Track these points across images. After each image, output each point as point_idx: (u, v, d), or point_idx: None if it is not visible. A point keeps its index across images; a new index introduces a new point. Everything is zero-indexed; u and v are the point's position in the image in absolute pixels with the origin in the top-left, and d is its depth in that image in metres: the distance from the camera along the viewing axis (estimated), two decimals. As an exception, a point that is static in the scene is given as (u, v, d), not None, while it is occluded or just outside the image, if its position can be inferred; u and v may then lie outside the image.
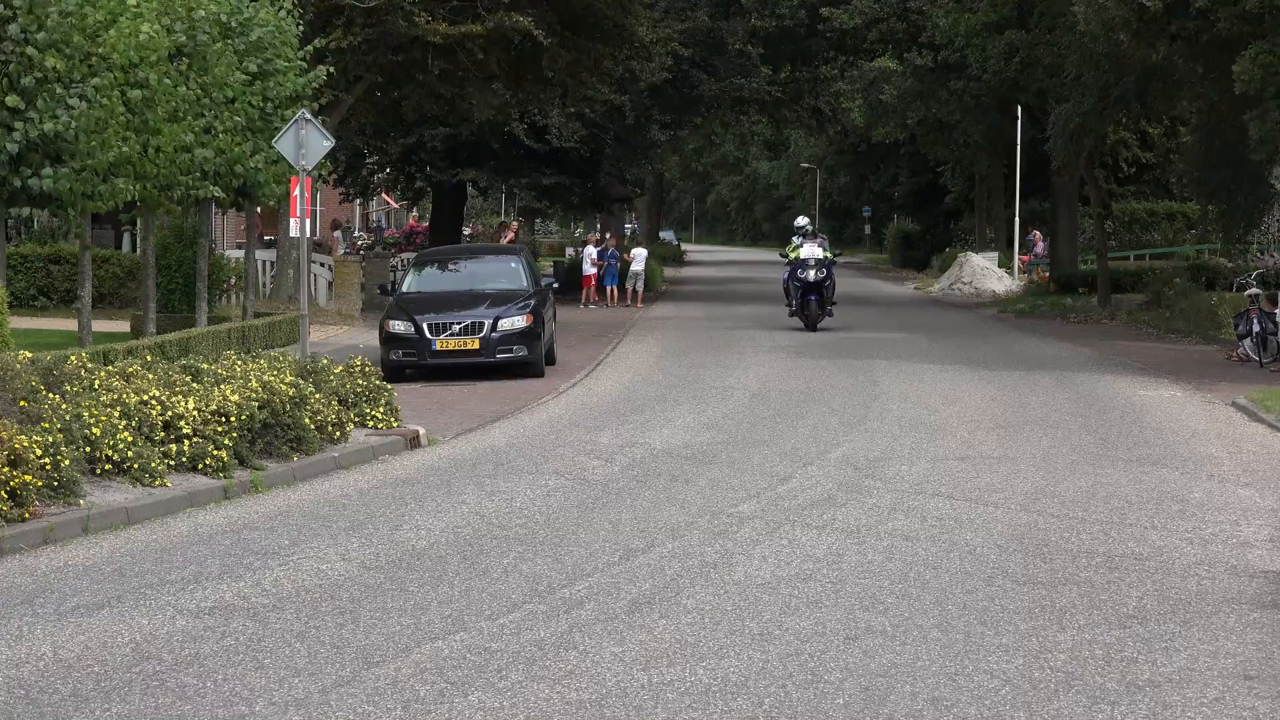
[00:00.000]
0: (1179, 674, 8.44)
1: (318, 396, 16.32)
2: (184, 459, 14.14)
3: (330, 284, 38.38)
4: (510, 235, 48.02)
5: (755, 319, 38.43)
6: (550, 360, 25.98)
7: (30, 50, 19.51)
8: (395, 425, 17.71)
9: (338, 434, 16.43)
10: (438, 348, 24.22)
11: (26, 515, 11.98)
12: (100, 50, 20.74)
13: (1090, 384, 23.81)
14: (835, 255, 35.45)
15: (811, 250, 34.02)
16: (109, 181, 21.08)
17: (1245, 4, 27.96)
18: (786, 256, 34.72)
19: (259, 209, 31.65)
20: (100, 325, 26.44)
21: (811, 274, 33.73)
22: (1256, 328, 27.25)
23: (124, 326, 28.84)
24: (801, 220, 37.30)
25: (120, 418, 13.74)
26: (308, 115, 22.16)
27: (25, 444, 12.16)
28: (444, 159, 49.48)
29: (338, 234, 60.04)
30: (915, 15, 50.68)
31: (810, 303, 33.80)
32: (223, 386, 15.20)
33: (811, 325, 33.63)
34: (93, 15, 20.54)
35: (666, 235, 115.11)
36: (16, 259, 35.06)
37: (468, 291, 25.70)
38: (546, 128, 48.86)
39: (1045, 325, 37.96)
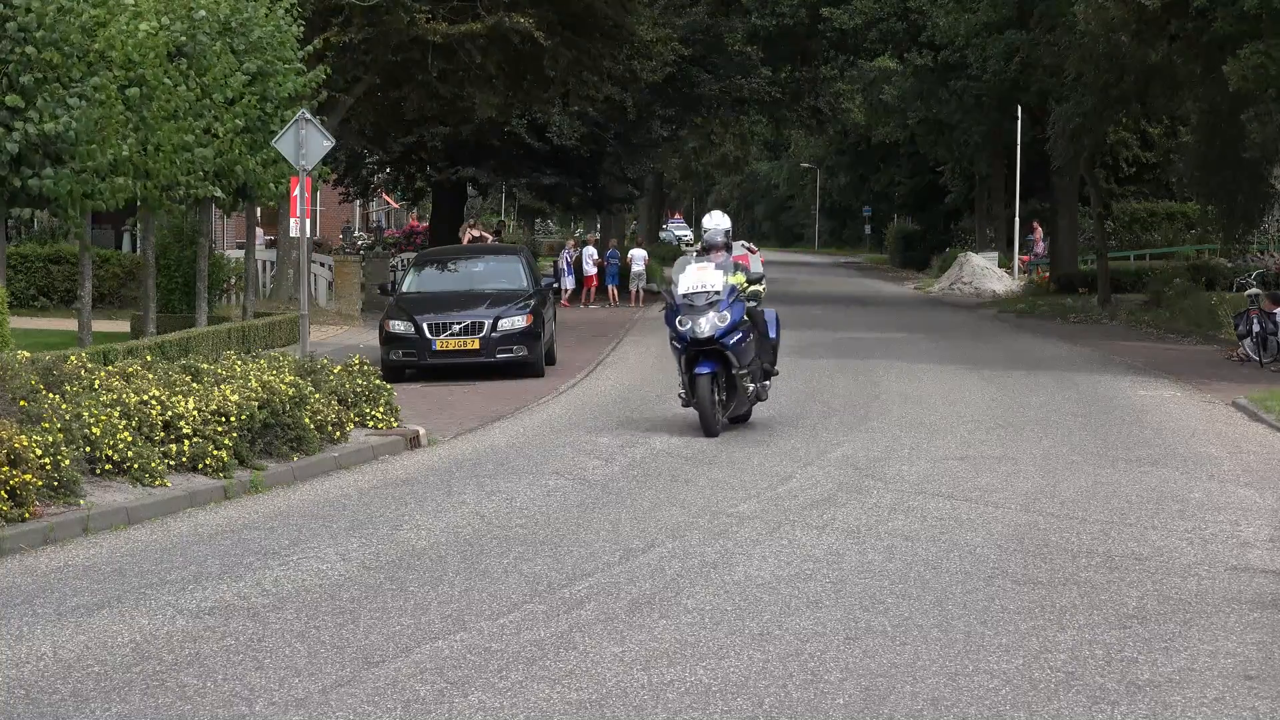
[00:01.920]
0: (1179, 674, 8.43)
1: (318, 396, 16.32)
2: (184, 459, 14.14)
3: (330, 284, 38.40)
4: (472, 235, 47.87)
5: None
6: (550, 360, 25.98)
7: (29, 49, 19.51)
8: (395, 425, 17.71)
9: (338, 434, 16.43)
10: (438, 348, 24.23)
11: (26, 515, 11.97)
12: (98, 47, 20.74)
13: (1090, 384, 23.80)
14: (751, 283, 18.33)
15: (702, 277, 17.92)
16: (109, 181, 21.08)
17: (1243, 4, 27.98)
18: (658, 290, 20.10)
19: (259, 209, 31.67)
20: (100, 325, 26.44)
21: (703, 325, 17.53)
22: (1256, 328, 27.26)
23: (124, 326, 28.84)
24: (712, 221, 19.05)
25: (120, 418, 13.74)
26: (308, 115, 22.17)
27: (25, 444, 12.16)
28: (444, 158, 49.50)
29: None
30: (915, 15, 50.71)
31: (701, 381, 17.55)
32: (223, 386, 15.19)
33: (710, 426, 17.58)
34: (89, 11, 20.53)
35: (681, 232, 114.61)
36: (16, 259, 35.06)
37: (468, 291, 25.71)
38: (547, 125, 48.88)
39: (1045, 325, 37.96)
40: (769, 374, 18.71)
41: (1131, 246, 57.82)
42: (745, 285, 18.10)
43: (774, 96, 56.45)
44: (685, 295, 17.82)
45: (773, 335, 18.72)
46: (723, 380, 17.81)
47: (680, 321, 17.74)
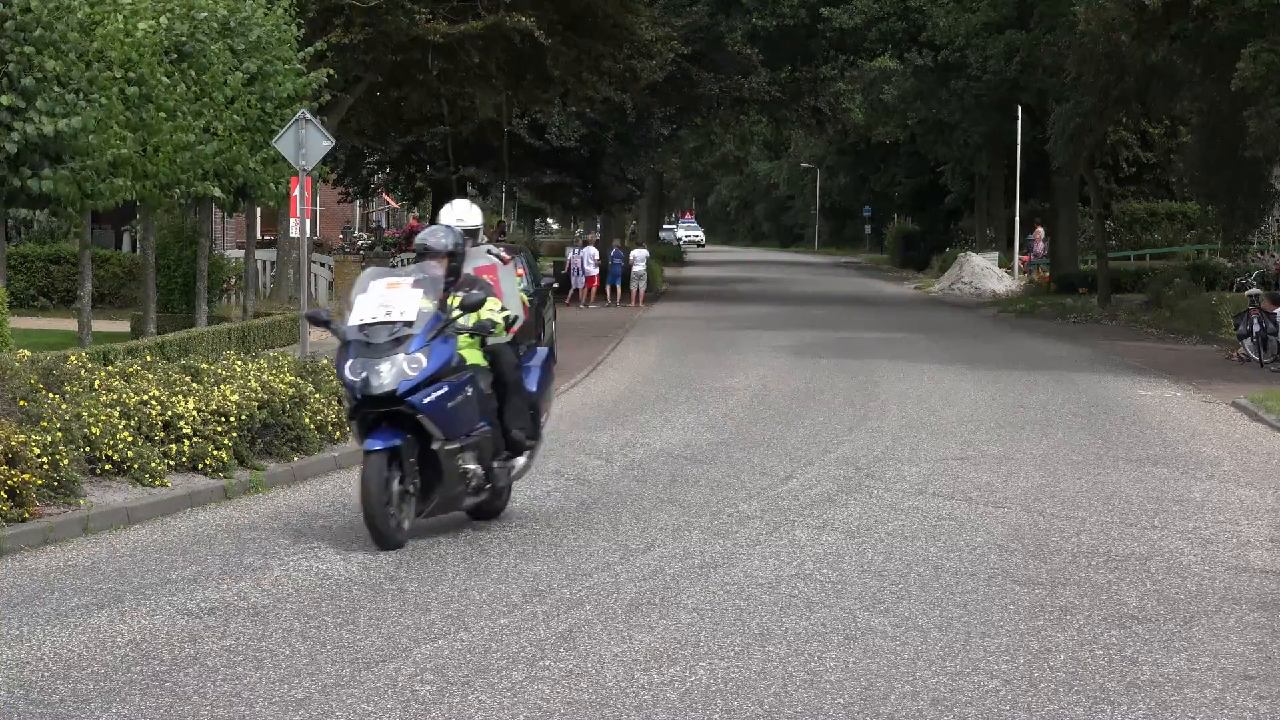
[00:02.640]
0: (1179, 674, 8.44)
1: (318, 396, 16.31)
2: (184, 459, 14.13)
3: (330, 284, 38.39)
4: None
5: (756, 319, 38.42)
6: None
7: (28, 49, 19.49)
8: (395, 425, 17.67)
9: (338, 434, 16.42)
10: (438, 348, 24.18)
11: (26, 515, 11.97)
12: (96, 45, 20.73)
13: (1090, 384, 23.81)
14: (467, 308, 11.88)
15: (390, 298, 11.93)
16: (109, 181, 21.07)
17: (1244, 3, 28.00)
18: (328, 323, 12.56)
19: (259, 209, 31.67)
20: (100, 325, 26.42)
21: (382, 374, 11.55)
22: (1256, 328, 27.28)
23: (124, 326, 28.83)
24: (452, 212, 13.16)
25: (120, 418, 13.73)
26: (308, 115, 22.17)
27: (25, 443, 12.16)
28: (444, 158, 49.52)
29: None
30: (915, 15, 50.71)
31: (370, 463, 11.49)
32: (223, 386, 15.19)
33: (380, 531, 11.47)
34: (85, 10, 20.50)
35: (690, 233, 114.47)
36: (16, 259, 35.05)
37: (468, 291, 25.69)
38: (547, 126, 48.90)
39: (1045, 325, 37.96)
40: (520, 446, 12.64)
41: (1131, 246, 57.83)
42: (456, 313, 11.86)
43: (774, 96, 56.43)
44: (361, 327, 11.79)
45: (532, 389, 12.91)
46: (413, 459, 11.65)
47: (350, 367, 11.61)
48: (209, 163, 24.83)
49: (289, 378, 15.97)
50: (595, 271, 45.38)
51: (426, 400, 11.57)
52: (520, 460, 12.75)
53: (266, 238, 43.15)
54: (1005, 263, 55.06)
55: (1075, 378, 24.69)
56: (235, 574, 10.77)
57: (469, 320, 11.95)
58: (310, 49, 28.57)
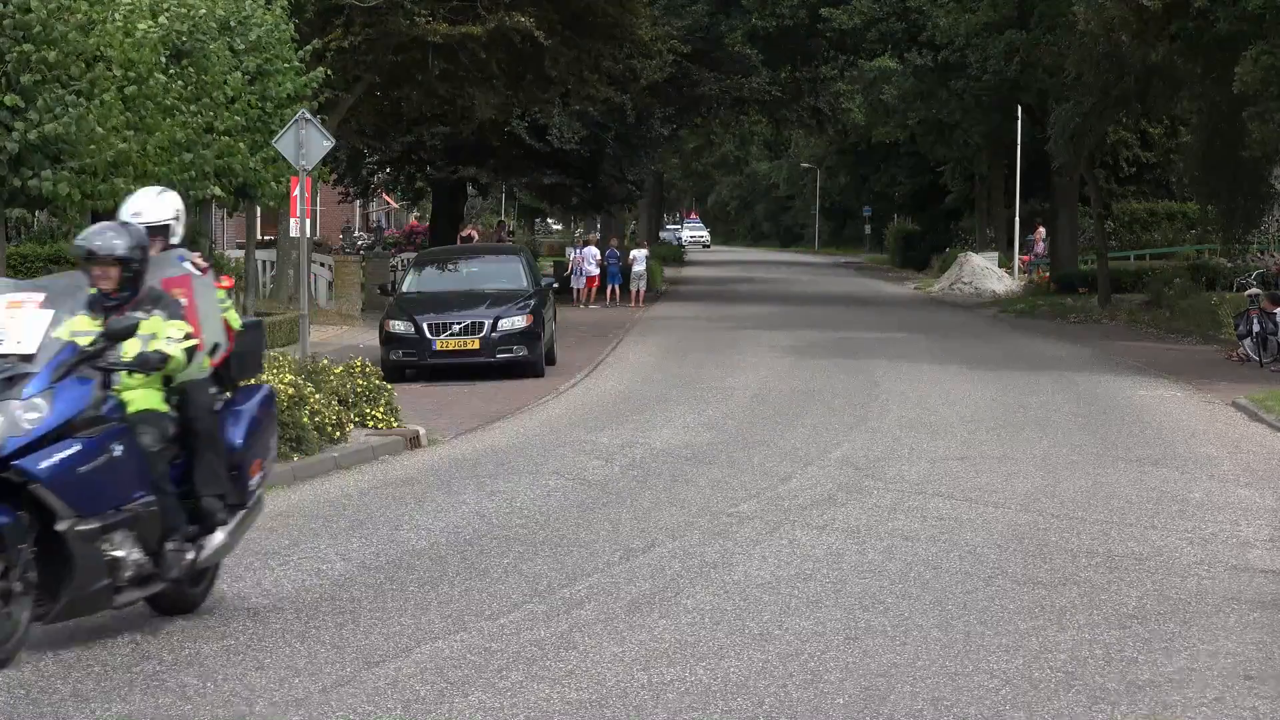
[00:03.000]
0: (1179, 674, 8.43)
1: (317, 397, 16.32)
2: (184, 459, 14.10)
3: (330, 284, 38.39)
4: (462, 235, 48.41)
5: (756, 319, 38.41)
6: (550, 360, 25.98)
7: (27, 46, 19.48)
8: (395, 425, 17.71)
9: (337, 434, 16.43)
10: (438, 348, 24.27)
11: (26, 515, 11.95)
12: (93, 43, 20.72)
13: (1090, 384, 23.80)
14: (113, 336, 8.79)
15: (10, 320, 8.75)
16: (109, 181, 21.06)
17: (1246, 4, 28.00)
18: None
19: (259, 209, 31.66)
20: (100, 325, 26.41)
21: (24, 424, 8.43)
22: (1256, 328, 27.27)
23: (124, 326, 28.82)
24: (133, 205, 9.78)
25: (120, 418, 13.72)
26: (307, 115, 22.18)
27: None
28: (444, 158, 49.50)
29: None
30: (915, 15, 50.68)
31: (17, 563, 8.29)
32: (223, 386, 15.18)
33: None
34: (84, 9, 20.50)
35: (695, 234, 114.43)
36: (16, 259, 34.96)
37: (467, 291, 25.73)
38: (547, 127, 48.90)
39: (1045, 325, 37.95)
40: (212, 519, 9.49)
41: (1131, 246, 57.76)
42: (93, 341, 8.86)
43: (774, 96, 56.38)
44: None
45: (237, 441, 9.78)
46: (26, 544, 8.47)
47: None
48: (209, 164, 24.83)
49: (288, 378, 15.97)
50: (596, 271, 45.38)
51: (45, 464, 8.48)
52: (218, 537, 9.53)
53: (266, 238, 43.15)
54: (1005, 263, 55.01)
55: (1075, 378, 24.69)
56: (235, 574, 10.76)
57: (124, 352, 8.92)
58: (309, 47, 28.58)
